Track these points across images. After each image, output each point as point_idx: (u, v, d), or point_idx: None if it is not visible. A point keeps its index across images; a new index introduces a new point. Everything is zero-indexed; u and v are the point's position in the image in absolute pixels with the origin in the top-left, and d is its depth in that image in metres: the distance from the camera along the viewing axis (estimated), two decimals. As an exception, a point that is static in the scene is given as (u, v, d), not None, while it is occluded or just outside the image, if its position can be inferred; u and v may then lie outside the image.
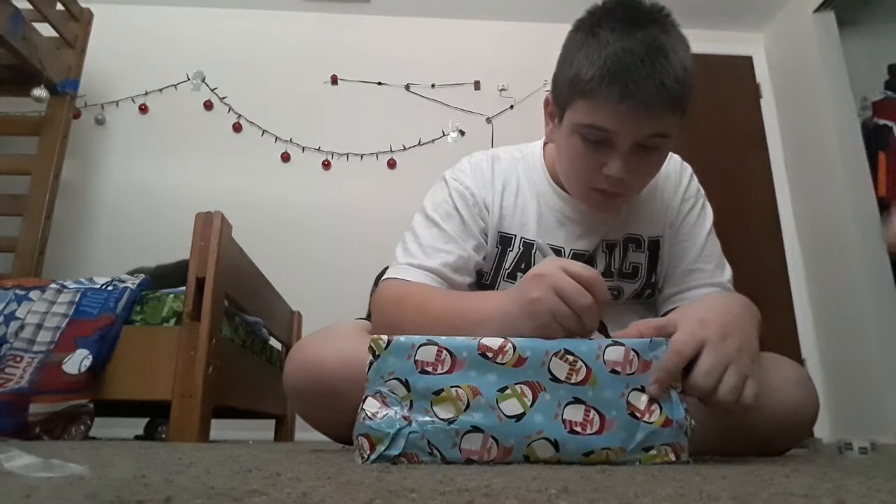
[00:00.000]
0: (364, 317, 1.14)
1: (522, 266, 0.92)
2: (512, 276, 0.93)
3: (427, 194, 0.98)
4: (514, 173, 0.96)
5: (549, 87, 0.89)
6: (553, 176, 0.95)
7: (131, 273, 1.61)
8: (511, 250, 0.93)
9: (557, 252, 0.92)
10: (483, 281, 0.94)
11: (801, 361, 2.73)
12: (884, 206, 2.61)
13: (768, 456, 0.77)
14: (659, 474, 0.46)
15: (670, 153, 0.98)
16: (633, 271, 0.95)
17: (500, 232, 0.93)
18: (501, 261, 0.93)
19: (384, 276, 0.90)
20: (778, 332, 2.75)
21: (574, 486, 0.37)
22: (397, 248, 0.92)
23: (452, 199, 0.93)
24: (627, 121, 0.75)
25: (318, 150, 2.96)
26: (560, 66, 0.84)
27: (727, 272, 0.96)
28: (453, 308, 0.76)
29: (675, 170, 0.99)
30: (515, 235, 0.93)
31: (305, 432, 2.08)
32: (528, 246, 0.92)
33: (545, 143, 0.99)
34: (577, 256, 0.92)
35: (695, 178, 1.01)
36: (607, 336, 0.67)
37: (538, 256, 0.92)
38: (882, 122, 2.79)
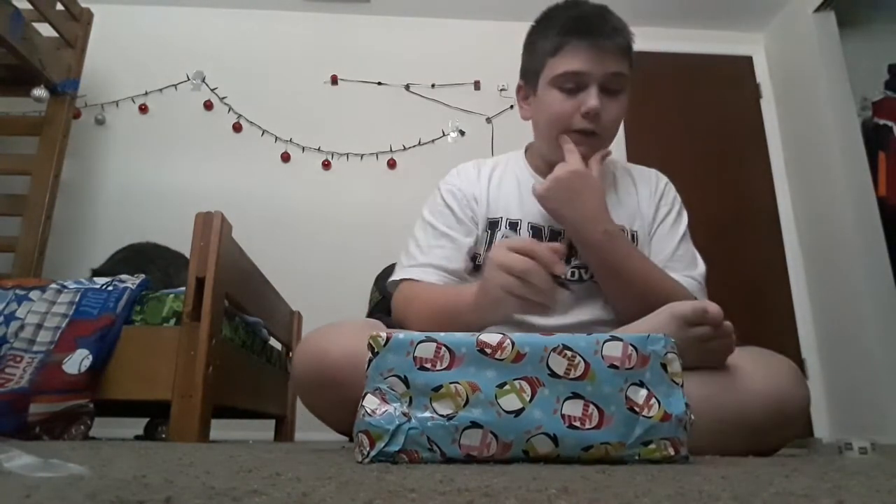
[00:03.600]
0: (365, 316, 1.16)
1: None
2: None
3: (426, 203, 1.10)
4: (498, 171, 1.10)
5: (522, 82, 1.08)
6: (534, 166, 1.08)
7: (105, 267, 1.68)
8: (499, 230, 1.03)
9: (538, 230, 1.02)
10: (477, 263, 1.03)
11: (801, 361, 2.73)
12: (884, 206, 2.61)
13: (764, 453, 0.77)
14: (659, 474, 0.46)
15: (649, 168, 1.16)
16: None
17: (488, 218, 1.04)
18: (491, 243, 1.02)
19: (391, 279, 1.01)
20: (778, 332, 2.75)
21: (574, 486, 0.37)
22: (401, 253, 1.05)
23: (444, 198, 1.06)
24: (594, 60, 0.92)
25: (318, 150, 2.96)
26: (525, 53, 1.05)
27: (699, 268, 1.04)
28: (449, 303, 0.89)
29: (652, 177, 1.13)
30: (502, 218, 1.03)
31: (305, 432, 2.08)
32: (513, 224, 1.03)
33: (526, 150, 1.13)
34: (555, 233, 1.00)
35: (672, 187, 1.13)
36: (569, 289, 0.77)
37: (523, 233, 1.02)
38: (882, 122, 2.79)
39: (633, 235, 1.03)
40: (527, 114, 1.07)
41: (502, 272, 0.71)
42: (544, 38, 0.97)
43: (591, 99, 0.92)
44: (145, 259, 1.83)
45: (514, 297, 0.71)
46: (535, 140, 1.08)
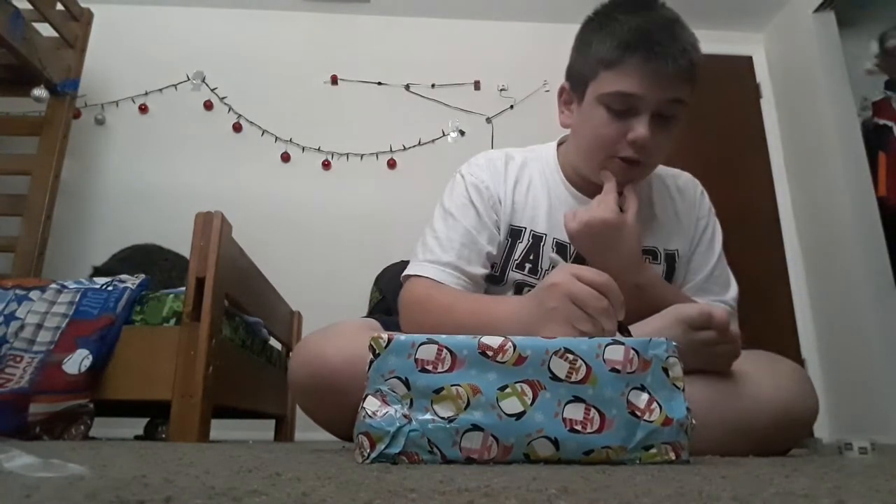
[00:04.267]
0: (365, 316, 1.14)
1: (531, 257, 0.95)
2: (520, 267, 0.96)
3: (444, 190, 1.01)
4: (527, 172, 1.00)
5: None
6: (567, 175, 0.99)
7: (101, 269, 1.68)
8: (521, 242, 0.96)
9: (563, 247, 0.95)
10: (493, 272, 0.97)
11: (801, 361, 2.73)
12: (884, 206, 2.61)
13: (769, 455, 0.77)
14: (659, 474, 0.46)
15: (680, 171, 1.06)
16: None
17: (511, 225, 0.96)
18: (511, 252, 0.96)
19: (405, 273, 0.93)
20: (778, 332, 2.75)
21: (574, 486, 0.37)
22: (418, 243, 0.96)
23: (468, 192, 0.97)
24: (652, 83, 0.81)
25: (318, 150, 2.96)
26: (577, 51, 0.91)
27: (732, 291, 1.00)
28: (475, 314, 0.81)
29: (689, 186, 1.04)
30: (525, 228, 0.96)
31: (305, 432, 2.08)
32: (537, 238, 0.95)
33: (559, 144, 1.03)
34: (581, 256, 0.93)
35: (706, 195, 1.05)
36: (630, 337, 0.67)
37: (546, 248, 0.95)
38: (882, 122, 2.78)
39: (671, 255, 0.98)
40: (567, 120, 0.96)
41: (570, 303, 0.65)
42: (601, 43, 0.85)
43: (641, 127, 0.83)
44: (149, 260, 1.83)
45: (577, 331, 0.65)
46: (572, 147, 0.97)
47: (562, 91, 0.96)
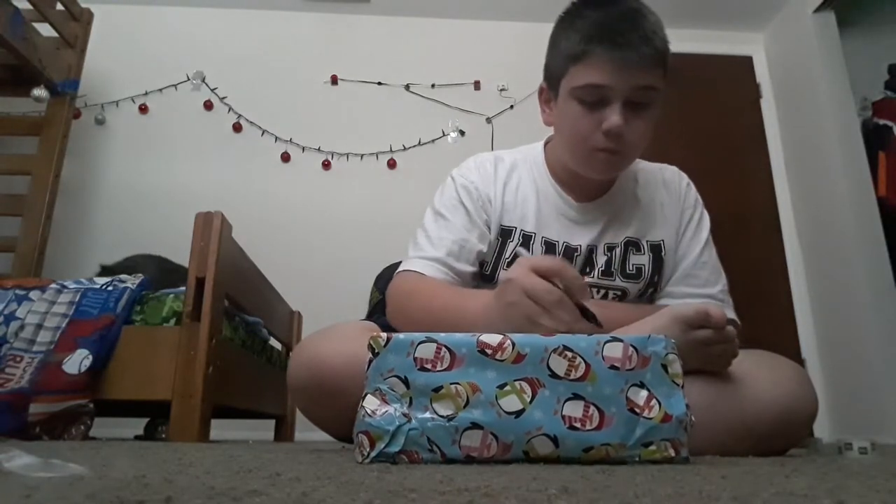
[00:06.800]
0: (364, 318, 1.15)
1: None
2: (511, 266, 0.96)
3: (436, 193, 1.04)
4: (516, 172, 1.02)
5: (545, 83, 0.98)
6: (554, 174, 1.01)
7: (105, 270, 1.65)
8: (511, 241, 0.98)
9: (552, 245, 0.97)
10: (484, 271, 0.99)
11: (801, 361, 2.73)
12: (884, 206, 2.61)
13: (768, 455, 0.77)
14: (659, 474, 0.46)
15: (667, 165, 1.08)
16: (636, 272, 0.99)
17: (501, 225, 0.98)
18: (501, 251, 0.98)
19: (398, 269, 0.96)
20: (778, 332, 2.75)
21: (574, 486, 0.37)
22: (410, 242, 0.99)
23: (458, 194, 0.99)
24: (620, 73, 0.83)
25: (318, 150, 2.96)
26: (549, 52, 0.94)
27: (720, 283, 1.00)
28: (452, 306, 0.83)
29: (674, 178, 1.06)
30: (515, 228, 0.98)
31: (305, 432, 2.08)
32: (526, 238, 0.98)
33: (546, 143, 1.06)
34: (569, 250, 0.97)
35: (692, 186, 1.06)
36: (597, 323, 0.67)
37: (536, 248, 0.97)
38: (882, 122, 2.79)
39: (657, 246, 0.99)
40: (548, 119, 0.98)
41: (526, 298, 0.65)
42: (568, 39, 0.87)
43: (614, 115, 0.84)
44: (167, 269, 1.79)
45: (536, 325, 0.64)
46: (557, 145, 0.99)
47: (541, 91, 0.98)
